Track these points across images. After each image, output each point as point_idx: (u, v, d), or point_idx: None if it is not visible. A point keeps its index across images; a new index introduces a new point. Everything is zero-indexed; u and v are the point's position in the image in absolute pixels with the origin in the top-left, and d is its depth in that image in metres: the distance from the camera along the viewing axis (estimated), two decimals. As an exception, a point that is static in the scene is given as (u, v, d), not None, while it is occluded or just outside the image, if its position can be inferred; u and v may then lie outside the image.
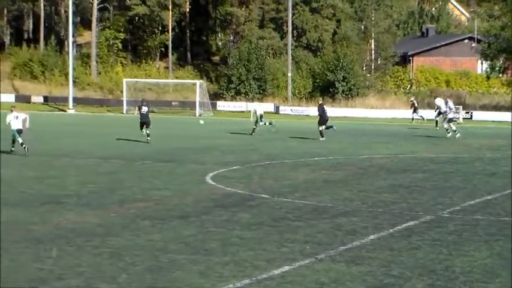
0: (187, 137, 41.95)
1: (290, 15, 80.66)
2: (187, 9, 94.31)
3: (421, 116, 59.76)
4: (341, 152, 33.94)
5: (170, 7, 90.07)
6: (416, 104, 61.75)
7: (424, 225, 16.21)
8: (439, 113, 48.51)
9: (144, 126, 37.62)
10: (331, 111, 70.45)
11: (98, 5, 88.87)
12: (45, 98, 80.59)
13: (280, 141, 40.08)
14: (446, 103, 44.98)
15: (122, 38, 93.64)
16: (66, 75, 78.45)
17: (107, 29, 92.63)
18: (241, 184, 22.42)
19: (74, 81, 75.45)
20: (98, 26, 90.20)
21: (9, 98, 79.87)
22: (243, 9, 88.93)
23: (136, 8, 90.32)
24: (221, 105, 75.85)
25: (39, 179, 23.09)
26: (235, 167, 26.89)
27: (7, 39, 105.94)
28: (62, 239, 14.47)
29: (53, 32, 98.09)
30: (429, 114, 58.10)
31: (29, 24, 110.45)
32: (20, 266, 12.52)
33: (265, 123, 45.24)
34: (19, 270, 12.28)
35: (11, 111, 33.07)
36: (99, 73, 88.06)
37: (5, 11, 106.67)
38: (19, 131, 31.80)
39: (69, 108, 72.28)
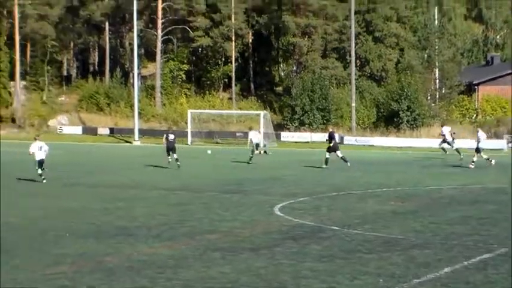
0: (252, 168, 41.96)
1: (353, 44, 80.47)
2: (250, 40, 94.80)
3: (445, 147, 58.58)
4: (409, 183, 33.54)
5: (233, 38, 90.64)
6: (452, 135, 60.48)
7: (499, 258, 15.88)
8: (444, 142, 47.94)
9: (171, 152, 40.70)
10: (396, 141, 70.34)
11: (162, 37, 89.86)
12: (111, 130, 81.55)
13: (346, 172, 39.79)
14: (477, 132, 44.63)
15: (186, 69, 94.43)
16: (132, 106, 79.33)
17: (171, 61, 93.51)
18: (310, 216, 22.28)
19: (139, 113, 76.21)
20: (162, 57, 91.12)
21: (76, 130, 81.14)
22: (305, 39, 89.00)
23: (199, 40, 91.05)
24: (285, 135, 75.81)
25: (107, 211, 23.25)
26: (302, 198, 26.76)
27: (74, 72, 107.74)
28: (134, 271, 14.52)
29: (118, 64, 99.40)
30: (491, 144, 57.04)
31: (94, 57, 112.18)
32: (94, 298, 12.59)
33: (260, 152, 45.79)
34: (94, 302, 12.34)
35: (35, 139, 33.30)
36: (164, 104, 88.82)
37: (72, 45, 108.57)
38: (41, 162, 32.06)
39: (134, 140, 72.97)
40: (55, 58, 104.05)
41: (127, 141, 74.27)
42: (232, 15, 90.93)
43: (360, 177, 36.22)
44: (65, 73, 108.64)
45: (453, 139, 52.55)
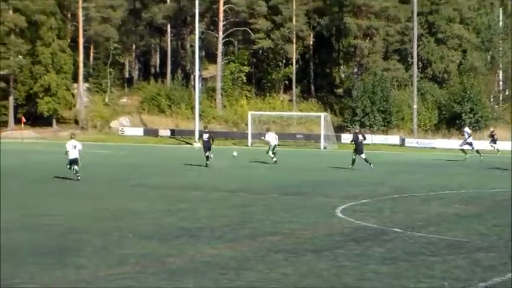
0: (313, 169, 41.86)
1: (415, 46, 79.88)
2: (311, 42, 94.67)
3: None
4: (472, 185, 33.15)
5: (294, 40, 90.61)
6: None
7: None
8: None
9: (208, 151, 42.81)
10: (458, 143, 69.51)
11: (223, 39, 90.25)
12: (172, 132, 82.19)
13: (407, 174, 39.58)
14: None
15: (247, 71, 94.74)
16: (192, 108, 79.87)
17: (231, 63, 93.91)
18: (372, 218, 22.13)
19: (200, 115, 76.65)
20: (223, 59, 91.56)
21: (137, 131, 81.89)
22: (367, 41, 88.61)
23: (260, 42, 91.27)
24: (346, 137, 75.44)
25: (170, 212, 23.39)
26: (364, 200, 26.60)
27: (135, 74, 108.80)
28: (197, 272, 14.57)
29: (179, 66, 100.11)
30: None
31: (156, 59, 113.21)
32: (159, 298, 12.66)
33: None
34: (158, 302, 12.42)
35: (71, 138, 34.07)
36: (224, 106, 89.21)
37: (134, 47, 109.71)
38: (75, 161, 33.07)
39: (195, 142, 73.41)
40: (117, 60, 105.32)
41: (188, 143, 74.74)
42: (294, 17, 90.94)
43: (422, 180, 35.93)
44: (127, 75, 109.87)
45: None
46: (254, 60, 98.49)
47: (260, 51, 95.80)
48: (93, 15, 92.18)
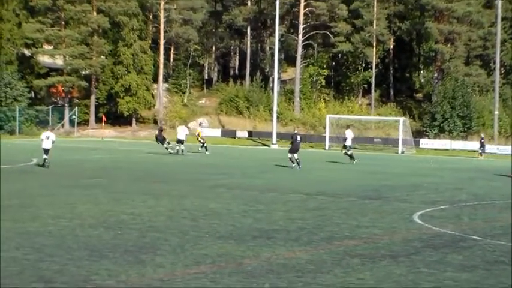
0: (391, 174, 41.51)
1: (498, 51, 78.62)
2: (391, 46, 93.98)
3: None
4: (554, 194, 32.46)
5: (374, 44, 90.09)
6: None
7: None
8: None
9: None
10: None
11: (302, 42, 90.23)
12: (250, 133, 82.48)
13: (486, 181, 38.98)
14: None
15: (325, 74, 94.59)
16: (270, 110, 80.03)
17: (310, 66, 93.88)
18: (450, 224, 21.83)
19: (277, 117, 76.72)
20: (302, 62, 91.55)
21: (215, 132, 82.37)
22: (448, 45, 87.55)
23: (340, 45, 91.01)
24: (424, 142, 74.75)
25: (247, 213, 23.44)
26: (443, 207, 26.26)
27: (215, 76, 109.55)
28: (273, 274, 14.57)
29: (258, 68, 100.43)
30: None
31: (235, 61, 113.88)
32: (234, 299, 12.70)
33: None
34: (233, 303, 12.46)
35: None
36: (302, 109, 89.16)
37: (214, 48, 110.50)
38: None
39: (272, 143, 73.54)
40: (197, 61, 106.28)
41: (265, 145, 74.90)
42: (374, 21, 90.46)
43: (501, 187, 35.31)
44: (206, 76, 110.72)
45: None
46: (333, 63, 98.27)
47: (339, 54, 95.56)
48: (174, 16, 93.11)
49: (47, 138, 39.66)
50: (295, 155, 43.36)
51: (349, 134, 49.95)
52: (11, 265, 14.76)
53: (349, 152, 48.66)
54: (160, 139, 54.47)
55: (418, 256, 16.72)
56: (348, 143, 49.47)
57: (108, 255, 15.92)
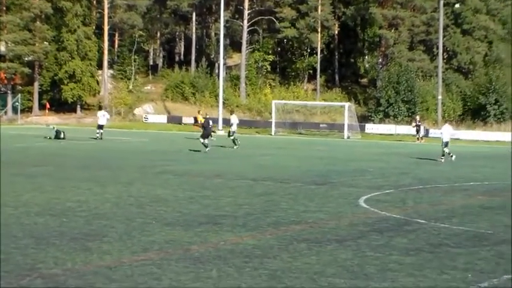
0: (336, 159, 41.81)
1: (441, 37, 79.52)
2: (336, 32, 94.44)
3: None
4: (496, 177, 33.01)
5: (319, 30, 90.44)
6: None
7: None
8: None
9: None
10: (483, 135, 69.20)
11: (247, 27, 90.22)
12: (196, 119, 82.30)
13: (431, 165, 39.46)
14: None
15: (271, 60, 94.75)
16: (216, 96, 79.97)
17: (256, 51, 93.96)
18: (395, 208, 22.08)
19: (223, 103, 76.69)
20: (247, 48, 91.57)
21: (161, 119, 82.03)
22: (392, 31, 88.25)
23: (285, 31, 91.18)
24: (369, 127, 75.37)
25: (194, 199, 23.44)
26: (388, 191, 26.55)
27: (160, 62, 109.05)
28: (221, 260, 14.60)
29: (203, 54, 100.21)
30: None
31: (180, 47, 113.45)
32: (181, 286, 12.69)
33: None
34: (181, 289, 12.46)
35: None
36: (248, 95, 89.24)
37: (158, 34, 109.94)
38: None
39: (218, 129, 73.51)
40: (142, 47, 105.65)
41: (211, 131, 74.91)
42: (319, 6, 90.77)
43: (446, 171, 35.81)
44: (151, 62, 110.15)
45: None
46: (279, 49, 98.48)
47: (285, 40, 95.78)
48: (118, 2, 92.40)
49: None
50: (207, 140, 45.46)
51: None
52: (-45, 255, 14.58)
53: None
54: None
55: (364, 240, 16.89)
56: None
57: (54, 243, 15.80)
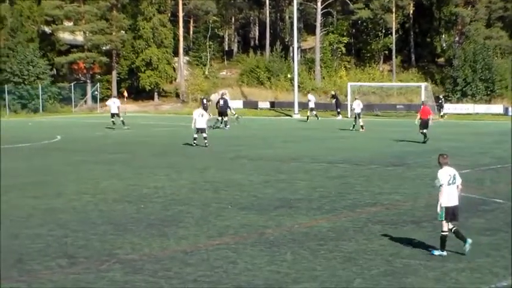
0: (413, 140, 41.33)
1: (519, 12, 77.78)
2: (411, 11, 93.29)
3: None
4: None
5: (394, 10, 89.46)
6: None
7: None
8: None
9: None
10: None
11: (321, 10, 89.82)
12: (272, 104, 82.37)
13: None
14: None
15: (346, 42, 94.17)
16: (291, 80, 79.81)
17: (330, 34, 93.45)
18: (472, 188, 21.73)
19: (298, 87, 76.55)
20: (321, 31, 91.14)
21: (237, 104, 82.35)
22: (468, 8, 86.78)
23: (359, 12, 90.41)
24: (447, 107, 74.24)
25: (269, 183, 23.52)
26: (465, 171, 26.10)
27: (235, 47, 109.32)
28: (295, 243, 14.66)
29: (278, 38, 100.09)
30: None
31: (255, 32, 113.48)
32: (256, 269, 12.79)
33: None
34: (255, 272, 12.55)
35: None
36: (323, 78, 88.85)
37: (233, 20, 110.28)
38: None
39: (294, 113, 73.45)
40: (217, 33, 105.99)
41: (287, 115, 74.83)
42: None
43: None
44: (226, 48, 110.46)
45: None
46: (353, 30, 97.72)
47: (359, 21, 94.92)
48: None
49: (201, 116, 37.71)
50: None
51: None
52: (36, 241, 14.96)
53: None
54: None
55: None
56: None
57: (131, 229, 16.10)
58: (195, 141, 37.26)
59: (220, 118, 52.01)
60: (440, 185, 13.52)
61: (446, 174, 13.74)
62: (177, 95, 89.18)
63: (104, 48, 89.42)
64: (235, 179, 24.56)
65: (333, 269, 12.74)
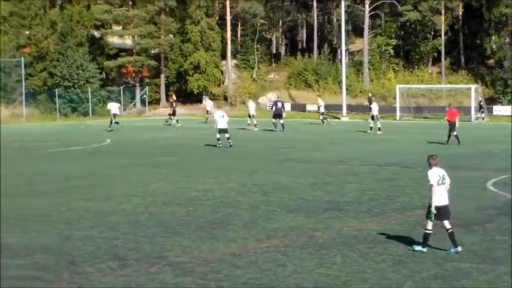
0: (463, 142, 40.92)
1: None
2: (460, 13, 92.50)
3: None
4: None
5: (443, 11, 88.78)
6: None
7: None
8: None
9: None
10: None
11: (369, 12, 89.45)
12: (319, 106, 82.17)
13: None
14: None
15: (394, 44, 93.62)
16: (339, 83, 79.60)
17: (378, 36, 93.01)
18: (525, 191, 21.53)
19: (346, 89, 76.31)
20: (369, 33, 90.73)
21: (285, 107, 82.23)
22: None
23: (408, 14, 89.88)
24: (497, 109, 73.48)
25: (317, 186, 23.47)
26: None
27: (282, 50, 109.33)
28: (345, 246, 14.60)
29: (325, 40, 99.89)
30: None
31: (302, 34, 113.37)
32: (306, 272, 12.76)
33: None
34: (305, 275, 12.52)
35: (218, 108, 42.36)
36: (371, 80, 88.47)
37: (280, 23, 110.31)
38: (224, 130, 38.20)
39: (342, 116, 73.24)
40: (264, 36, 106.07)
41: (335, 117, 74.62)
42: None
43: None
44: (274, 51, 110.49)
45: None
46: (401, 32, 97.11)
47: (407, 23, 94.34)
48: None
49: (222, 117, 38.73)
50: (281, 120, 51.06)
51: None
52: (87, 243, 15.09)
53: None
54: None
55: (492, 224, 16.60)
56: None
57: (181, 232, 16.16)
58: (219, 142, 38.06)
59: (275, 121, 51.87)
60: (431, 185, 14.22)
61: (436, 175, 14.45)
62: (225, 98, 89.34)
63: (152, 51, 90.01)
64: (283, 181, 24.55)
65: (382, 271, 12.66)
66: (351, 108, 75.70)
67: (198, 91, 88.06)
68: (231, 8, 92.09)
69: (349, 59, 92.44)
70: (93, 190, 22.96)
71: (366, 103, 72.31)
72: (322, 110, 62.40)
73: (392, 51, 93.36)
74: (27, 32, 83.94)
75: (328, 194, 21.59)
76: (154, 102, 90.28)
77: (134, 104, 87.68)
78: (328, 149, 38.03)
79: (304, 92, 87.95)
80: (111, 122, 53.44)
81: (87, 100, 79.93)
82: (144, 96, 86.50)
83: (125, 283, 12.17)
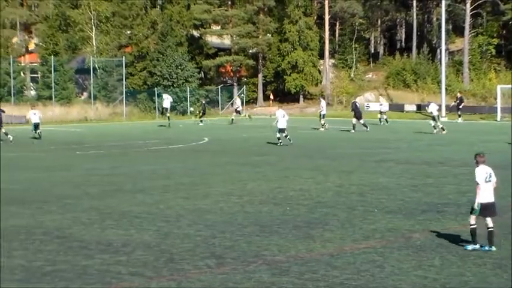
0: None
1: None
2: None
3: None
4: None
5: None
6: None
7: None
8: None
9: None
10: None
11: (470, 11, 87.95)
12: (418, 106, 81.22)
13: None
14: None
15: (496, 43, 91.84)
16: (439, 83, 78.52)
17: (479, 35, 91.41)
18: None
19: (446, 89, 75.24)
20: (470, 32, 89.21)
21: (383, 107, 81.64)
22: None
23: (510, 13, 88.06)
24: None
25: (416, 187, 23.21)
26: None
27: (381, 49, 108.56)
28: (443, 248, 14.41)
29: (425, 40, 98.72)
30: None
31: (401, 34, 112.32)
32: (403, 273, 12.63)
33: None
34: (402, 276, 12.39)
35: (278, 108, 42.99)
36: (472, 80, 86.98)
37: (379, 22, 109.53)
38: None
39: (442, 116, 72.21)
40: (363, 36, 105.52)
41: (434, 118, 73.57)
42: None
43: None
44: (372, 50, 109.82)
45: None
46: (504, 32, 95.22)
47: (510, 22, 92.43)
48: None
49: (283, 117, 40.74)
50: (361, 121, 51.28)
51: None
52: (185, 241, 15.28)
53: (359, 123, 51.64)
54: None
55: None
56: (324, 111, 55.21)
57: (277, 231, 16.20)
58: (280, 141, 39.37)
59: (355, 121, 51.57)
60: (477, 183, 14.33)
61: (483, 172, 14.48)
62: (323, 98, 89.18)
63: (250, 51, 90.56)
64: (381, 182, 24.37)
65: (482, 275, 12.45)
66: (450, 109, 74.52)
67: (295, 90, 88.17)
68: (329, 7, 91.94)
69: (448, 58, 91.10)
70: (191, 188, 23.23)
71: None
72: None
73: (494, 51, 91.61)
74: (128, 32, 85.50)
75: (426, 196, 21.33)
76: (252, 101, 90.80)
77: (232, 103, 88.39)
78: (426, 149, 37.51)
79: (402, 92, 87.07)
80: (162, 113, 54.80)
81: (185, 99, 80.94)
82: (242, 95, 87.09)
83: (222, 281, 12.27)
